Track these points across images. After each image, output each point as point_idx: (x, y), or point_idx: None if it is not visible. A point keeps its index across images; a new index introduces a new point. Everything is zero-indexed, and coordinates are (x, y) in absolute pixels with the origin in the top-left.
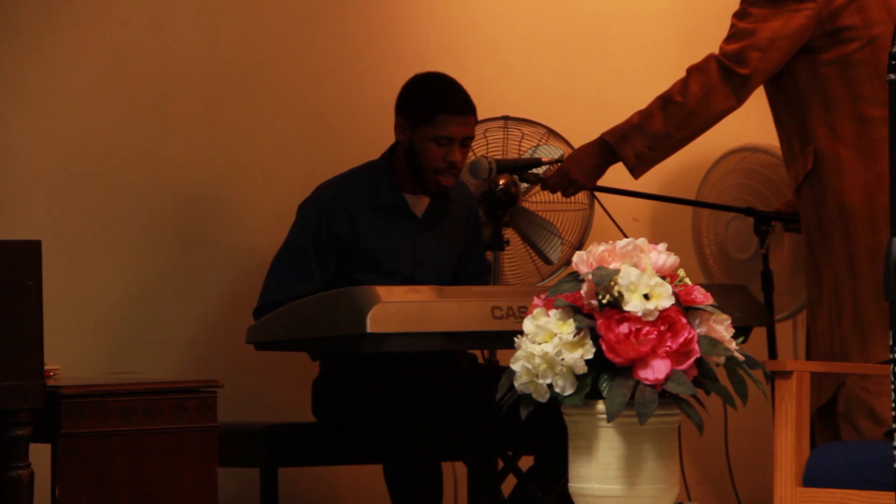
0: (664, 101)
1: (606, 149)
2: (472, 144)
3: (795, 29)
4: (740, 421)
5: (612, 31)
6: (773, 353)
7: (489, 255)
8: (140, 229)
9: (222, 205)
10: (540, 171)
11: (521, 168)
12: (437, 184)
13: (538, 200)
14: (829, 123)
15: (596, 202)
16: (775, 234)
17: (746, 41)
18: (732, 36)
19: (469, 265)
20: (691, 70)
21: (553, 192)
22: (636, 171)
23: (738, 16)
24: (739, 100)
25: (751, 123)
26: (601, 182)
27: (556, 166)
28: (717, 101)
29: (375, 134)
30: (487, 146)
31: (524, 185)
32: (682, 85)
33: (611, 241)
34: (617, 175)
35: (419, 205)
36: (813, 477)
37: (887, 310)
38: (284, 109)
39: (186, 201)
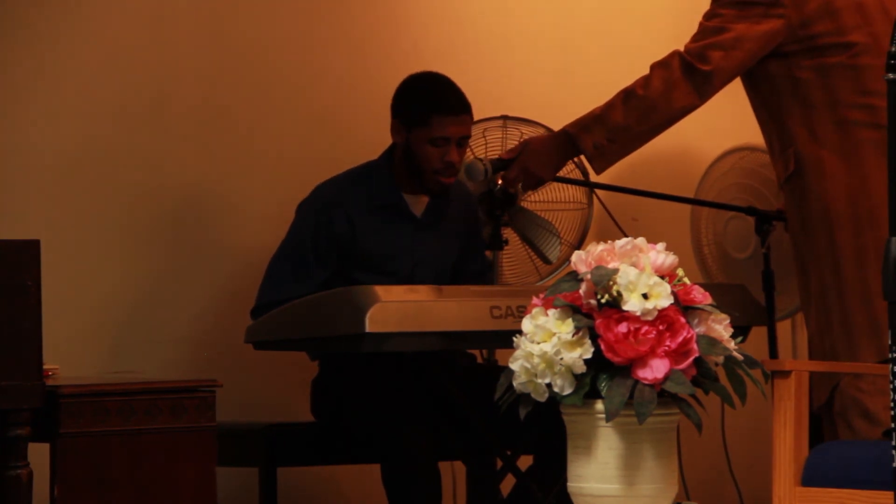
0: (626, 94)
1: (567, 140)
2: (472, 144)
3: (763, 32)
4: (739, 420)
5: (611, 31)
6: (773, 353)
7: (488, 254)
8: (139, 229)
9: (221, 204)
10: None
11: None
12: (437, 183)
13: (537, 200)
14: (809, 127)
15: (596, 200)
16: (777, 234)
17: (710, 39)
18: (698, 34)
19: (471, 263)
20: (654, 66)
21: (511, 186)
22: (595, 163)
23: (707, 16)
24: (701, 97)
25: (749, 123)
26: (602, 180)
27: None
28: (679, 96)
29: (375, 134)
30: (486, 146)
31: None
32: (645, 80)
33: (609, 241)
34: (617, 174)
35: (418, 204)
36: (812, 476)
37: (873, 313)
38: (283, 109)
39: (186, 201)
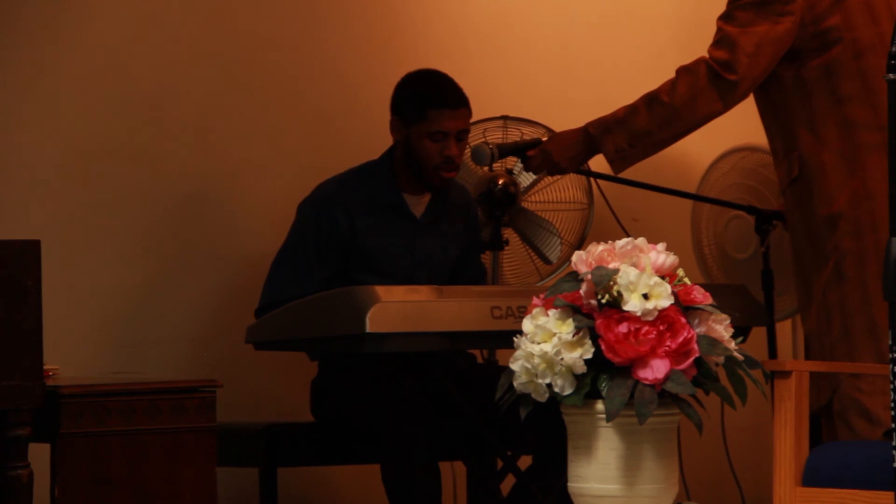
0: (651, 99)
1: (589, 139)
2: (471, 144)
3: (781, 34)
4: (739, 420)
5: (611, 30)
6: (773, 353)
7: (488, 254)
8: (139, 229)
9: (222, 204)
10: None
11: (521, 150)
12: (438, 177)
13: (537, 200)
14: (813, 129)
15: (598, 196)
16: (776, 234)
17: (734, 47)
18: (720, 41)
19: (467, 270)
20: (681, 71)
21: (536, 173)
22: (615, 165)
23: (725, 19)
24: (726, 105)
25: (749, 123)
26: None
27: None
28: (703, 104)
29: (375, 134)
30: None
31: (522, 184)
32: (671, 85)
33: (610, 241)
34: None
35: (418, 205)
36: (812, 477)
37: (873, 316)
38: (284, 109)
39: (186, 201)
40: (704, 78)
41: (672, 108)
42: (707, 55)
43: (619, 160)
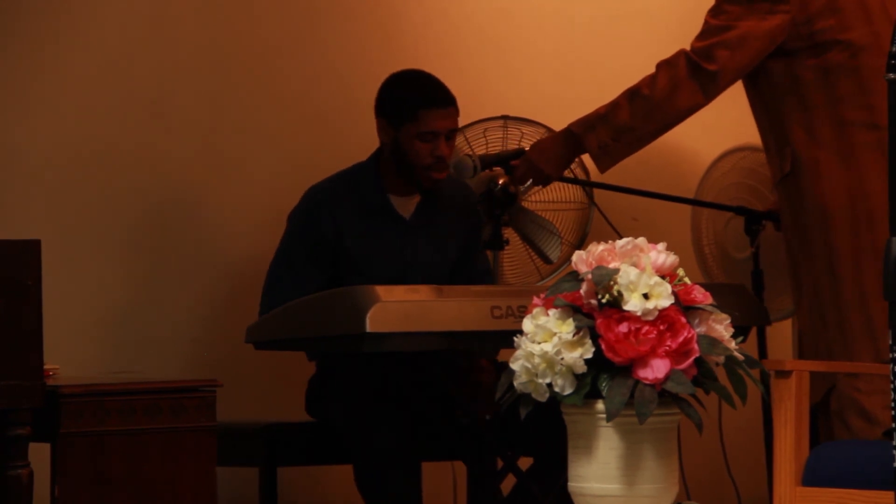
0: (632, 93)
1: (573, 139)
2: (472, 144)
3: (768, 30)
4: (738, 420)
5: (611, 30)
6: (763, 353)
7: (488, 254)
8: (139, 229)
9: (222, 204)
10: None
11: (504, 160)
12: (428, 179)
13: (538, 200)
14: (806, 127)
15: (600, 197)
16: (770, 234)
17: (716, 38)
18: (704, 32)
19: (473, 266)
20: (660, 65)
21: (521, 183)
22: (600, 162)
23: (712, 13)
24: (707, 97)
25: (750, 123)
26: (602, 179)
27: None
28: (684, 96)
29: (374, 134)
30: (487, 146)
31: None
32: (651, 79)
33: (610, 241)
34: (617, 173)
35: (407, 206)
36: (812, 476)
37: (870, 315)
38: (283, 109)
39: (186, 201)
40: (684, 70)
41: (653, 102)
42: (688, 47)
43: (604, 156)
